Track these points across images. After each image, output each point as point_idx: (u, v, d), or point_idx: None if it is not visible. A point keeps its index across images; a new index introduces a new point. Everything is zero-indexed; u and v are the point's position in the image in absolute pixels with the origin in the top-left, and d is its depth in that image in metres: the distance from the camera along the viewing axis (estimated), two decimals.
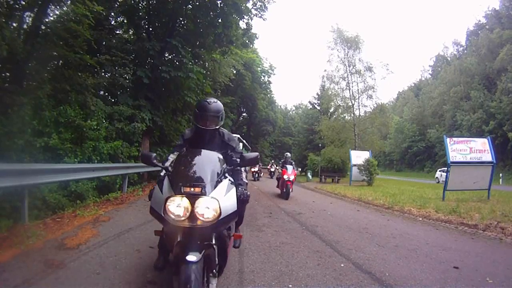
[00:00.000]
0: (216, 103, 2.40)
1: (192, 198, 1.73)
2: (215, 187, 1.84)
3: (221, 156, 2.15)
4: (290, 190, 8.97)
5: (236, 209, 1.90)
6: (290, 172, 8.97)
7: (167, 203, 1.74)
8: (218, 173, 1.94)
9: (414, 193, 10.58)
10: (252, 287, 2.54)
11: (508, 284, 2.77)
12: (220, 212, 1.74)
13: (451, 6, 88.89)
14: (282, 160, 10.79)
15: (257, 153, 2.32)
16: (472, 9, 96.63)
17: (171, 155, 2.38)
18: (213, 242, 1.84)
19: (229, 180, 2.03)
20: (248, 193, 2.24)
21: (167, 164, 2.24)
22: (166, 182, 1.94)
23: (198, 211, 1.72)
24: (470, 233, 4.97)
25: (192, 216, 1.72)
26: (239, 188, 2.13)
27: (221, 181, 1.92)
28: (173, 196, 1.76)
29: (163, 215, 1.76)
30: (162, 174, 2.16)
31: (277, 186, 9.67)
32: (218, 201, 1.75)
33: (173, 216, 1.73)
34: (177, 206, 1.73)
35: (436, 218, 6.10)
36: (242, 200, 2.13)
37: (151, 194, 2.02)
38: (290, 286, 2.56)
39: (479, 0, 44.92)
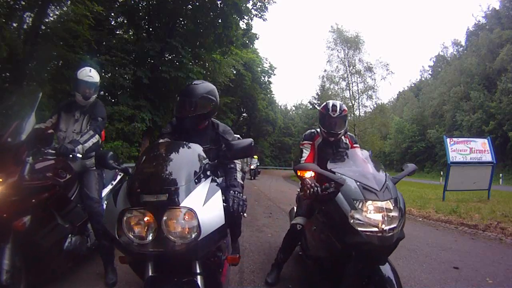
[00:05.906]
0: (203, 84, 1.92)
1: (157, 210, 1.22)
2: (191, 191, 1.30)
3: (201, 150, 1.58)
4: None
5: (224, 222, 1.33)
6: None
7: (123, 219, 1.25)
8: (195, 171, 1.40)
9: (414, 193, 10.56)
10: (252, 287, 2.54)
11: (508, 285, 2.77)
12: (200, 228, 1.22)
13: (451, 6, 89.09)
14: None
15: (250, 139, 1.61)
16: (471, 9, 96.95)
17: None
18: (198, 271, 1.31)
19: (212, 179, 1.48)
20: (245, 197, 1.56)
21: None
22: (123, 189, 1.38)
23: (168, 228, 1.22)
24: (470, 233, 4.97)
25: (159, 237, 1.22)
26: (231, 192, 1.54)
27: (199, 182, 1.37)
28: (129, 208, 1.25)
29: (117, 237, 1.26)
30: None
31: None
32: (194, 212, 1.23)
33: (132, 237, 1.23)
34: (137, 224, 1.24)
35: (436, 218, 6.08)
36: (235, 208, 1.48)
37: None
38: (290, 286, 2.56)
39: (479, 0, 44.91)
